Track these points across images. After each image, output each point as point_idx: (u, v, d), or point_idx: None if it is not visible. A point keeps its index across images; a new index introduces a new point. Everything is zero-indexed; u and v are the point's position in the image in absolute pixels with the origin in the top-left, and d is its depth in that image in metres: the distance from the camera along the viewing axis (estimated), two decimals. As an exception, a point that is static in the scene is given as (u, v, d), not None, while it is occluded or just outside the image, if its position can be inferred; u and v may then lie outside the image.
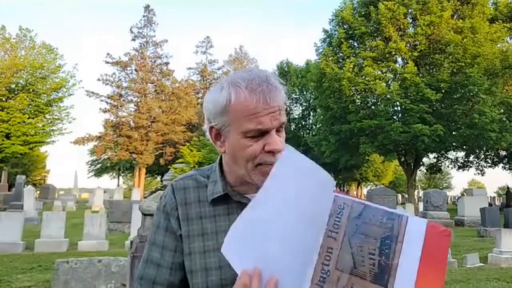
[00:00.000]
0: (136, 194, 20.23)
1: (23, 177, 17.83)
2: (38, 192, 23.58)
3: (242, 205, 0.90)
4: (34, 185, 29.06)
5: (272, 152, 0.86)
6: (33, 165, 37.99)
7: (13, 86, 26.17)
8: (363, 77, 20.49)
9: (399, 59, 21.87)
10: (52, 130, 27.75)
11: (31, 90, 26.29)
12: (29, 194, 14.04)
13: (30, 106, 26.24)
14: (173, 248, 0.94)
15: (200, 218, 0.94)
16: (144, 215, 3.03)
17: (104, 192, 22.72)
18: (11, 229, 8.31)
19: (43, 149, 37.54)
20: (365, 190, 40.83)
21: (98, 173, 41.37)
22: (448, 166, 28.17)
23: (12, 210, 12.36)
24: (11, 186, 22.82)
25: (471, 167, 26.96)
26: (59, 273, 5.35)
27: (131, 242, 2.99)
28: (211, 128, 0.93)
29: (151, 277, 0.94)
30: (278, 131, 0.89)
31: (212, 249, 0.91)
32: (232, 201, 0.94)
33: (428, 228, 0.71)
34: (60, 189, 31.79)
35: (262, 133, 0.86)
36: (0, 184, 23.60)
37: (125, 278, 5.28)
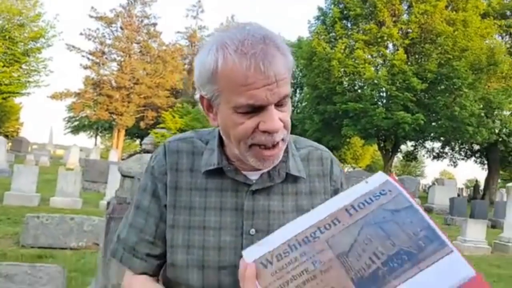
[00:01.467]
0: (114, 155, 19.91)
1: (-5, 127, 17.12)
2: (10, 144, 22.87)
3: (237, 183, 0.82)
4: (7, 136, 28.14)
5: (268, 132, 0.73)
6: (6, 116, 36.64)
7: (-13, 31, 24.79)
8: (353, 59, 20.43)
9: (390, 45, 21.88)
10: (28, 81, 26.77)
11: (7, 37, 24.95)
12: (0, 145, 13.56)
13: (6, 54, 25.01)
14: (158, 215, 0.85)
15: (190, 189, 0.84)
16: (124, 176, 2.92)
17: (81, 150, 22.25)
18: (-20, 179, 8.03)
19: (17, 100, 36.29)
20: (341, 172, 41.56)
21: (75, 130, 40.50)
22: (423, 155, 28.99)
23: (-18, 160, 11.93)
24: (-18, 135, 21.98)
25: (445, 158, 27.81)
26: (28, 227, 5.24)
27: (108, 203, 2.90)
28: (201, 97, 0.80)
29: (132, 244, 0.85)
30: (279, 105, 0.74)
31: (197, 226, 0.82)
32: (226, 176, 0.83)
33: (469, 283, 0.56)
34: (34, 143, 30.92)
35: (256, 109, 0.72)
36: (-30, 133, 22.70)
37: (97, 237, 5.21)
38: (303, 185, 0.87)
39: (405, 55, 19.83)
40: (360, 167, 38.01)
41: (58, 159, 23.25)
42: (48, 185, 9.76)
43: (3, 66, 24.60)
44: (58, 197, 8.50)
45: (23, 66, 26.45)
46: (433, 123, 20.57)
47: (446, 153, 27.63)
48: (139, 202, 0.87)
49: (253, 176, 0.83)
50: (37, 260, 4.44)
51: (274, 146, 0.76)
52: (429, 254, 0.57)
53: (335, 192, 0.88)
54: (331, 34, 22.46)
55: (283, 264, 0.61)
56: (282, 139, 0.77)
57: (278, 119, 0.73)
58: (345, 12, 21.84)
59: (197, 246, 0.81)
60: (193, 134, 0.91)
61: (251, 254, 0.64)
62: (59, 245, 5.24)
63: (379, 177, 0.68)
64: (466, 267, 0.57)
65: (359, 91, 21.52)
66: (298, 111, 29.91)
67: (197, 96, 0.82)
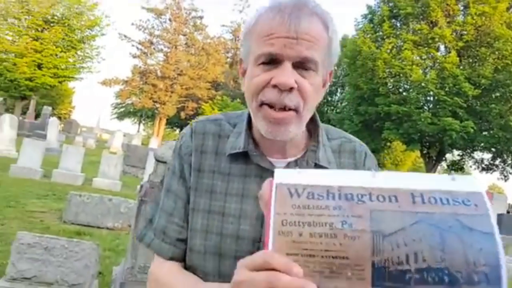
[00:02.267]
0: (154, 142, 20.60)
1: (50, 108, 18.32)
2: (62, 125, 24.33)
3: (262, 170, 0.78)
4: (60, 118, 29.99)
5: (278, 88, 0.69)
6: (60, 99, 39.02)
7: (49, 17, 26.41)
8: (400, 60, 19.65)
9: (442, 47, 20.79)
10: (82, 67, 28.24)
11: (66, 24, 26.52)
12: (53, 125, 14.45)
13: (64, 40, 26.59)
14: (186, 198, 0.82)
15: (212, 172, 0.81)
16: (158, 161, 3.00)
17: (124, 135, 23.21)
18: (32, 155, 8.60)
19: (71, 84, 38.45)
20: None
21: (121, 116, 42.25)
22: (471, 166, 27.39)
23: (36, 138, 12.78)
24: (37, 116, 23.59)
25: (495, 170, 26.10)
26: (71, 204, 5.54)
27: (141, 186, 2.99)
28: (240, 62, 0.81)
29: (162, 228, 0.83)
30: (301, 67, 0.71)
31: (217, 212, 0.79)
32: (251, 161, 0.79)
33: None
34: (83, 126, 32.67)
35: (274, 61, 0.70)
36: (28, 112, 24.40)
37: (132, 220, 5.42)
38: None
39: (458, 58, 18.76)
40: (400, 172, 36.64)
41: (103, 142, 24.42)
42: (92, 166, 10.28)
43: (60, 51, 26.20)
44: (101, 178, 8.93)
45: (78, 52, 27.99)
46: (484, 132, 19.41)
47: (497, 166, 25.90)
48: (169, 185, 0.85)
49: (280, 164, 0.79)
50: (75, 236, 4.69)
51: (284, 110, 0.71)
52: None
53: None
54: (378, 33, 21.71)
55: (310, 204, 0.53)
56: (296, 110, 0.71)
57: (292, 78, 0.69)
58: (394, 10, 21.00)
59: (215, 232, 0.78)
60: (222, 116, 0.88)
61: (283, 176, 0.57)
62: (96, 224, 5.50)
63: (470, 182, 0.55)
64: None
65: (404, 93, 20.69)
66: (338, 110, 29.39)
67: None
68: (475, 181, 0.55)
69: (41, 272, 3.04)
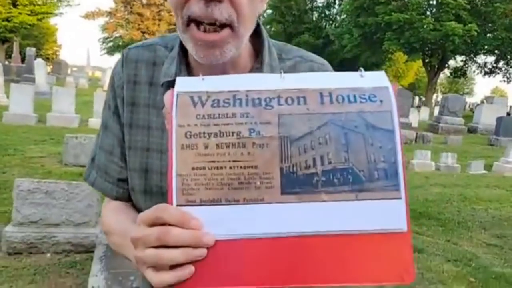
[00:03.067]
0: (148, 76, 20.15)
1: (33, 49, 17.49)
2: (50, 67, 23.60)
3: None
4: (48, 59, 29.04)
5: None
6: (44, 38, 37.42)
7: None
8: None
9: None
10: (60, 0, 26.64)
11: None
12: (40, 68, 13.95)
13: (36, -27, 24.74)
14: (121, 136, 0.74)
15: (147, 106, 0.71)
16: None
17: (117, 71, 22.59)
18: (23, 101, 8.39)
19: (52, 21, 36.61)
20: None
21: (111, 51, 40.85)
22: (474, 71, 26.89)
23: (24, 83, 12.43)
24: (24, 59, 22.77)
25: (498, 73, 25.64)
26: (68, 147, 5.52)
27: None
28: None
29: (104, 168, 0.77)
30: None
31: (155, 149, 0.71)
32: None
33: (394, 234, 0.50)
34: (73, 66, 31.74)
35: None
36: (13, 56, 23.54)
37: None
38: None
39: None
40: (402, 85, 36.23)
41: (96, 80, 23.89)
42: (86, 106, 10.12)
43: (34, -15, 24.51)
44: (95, 118, 8.82)
45: (54, -15, 26.28)
46: (488, 35, 18.64)
47: (500, 68, 25.40)
48: (105, 121, 0.77)
49: None
50: (78, 178, 4.73)
51: (214, 29, 0.60)
52: (375, 189, 0.49)
53: None
54: None
55: (216, 113, 0.50)
56: (230, 26, 0.60)
57: None
58: None
59: (155, 170, 0.71)
60: (158, 39, 0.76)
61: (185, 84, 0.53)
62: (98, 164, 5.53)
63: (378, 78, 0.54)
64: (401, 220, 0.49)
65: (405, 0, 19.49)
66: (336, 25, 28.03)
67: None
68: (382, 76, 0.54)
69: (46, 215, 3.09)
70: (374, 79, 0.53)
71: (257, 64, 0.71)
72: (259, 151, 0.49)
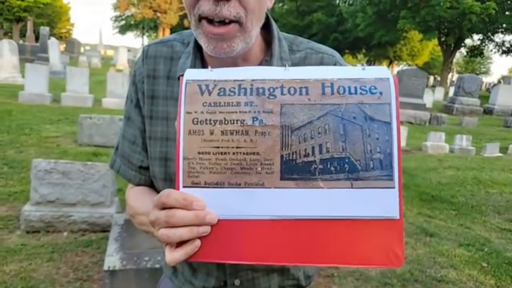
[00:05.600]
0: (160, 56, 20.06)
1: (47, 28, 17.52)
2: (64, 45, 23.67)
3: None
4: (61, 37, 29.09)
5: None
6: (57, 17, 37.42)
7: None
8: None
9: None
10: (71, -21, 26.49)
11: None
12: (53, 47, 13.99)
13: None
14: (143, 128, 0.80)
15: (166, 98, 0.76)
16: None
17: (129, 51, 22.59)
18: (38, 80, 8.48)
19: (65, 0, 36.52)
20: (396, 70, 39.33)
21: (122, 30, 40.82)
22: (491, 50, 26.05)
23: (39, 62, 12.52)
24: (37, 38, 22.88)
25: (517, 53, 24.78)
26: (83, 127, 5.58)
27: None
28: None
29: (127, 156, 0.83)
30: None
31: (174, 139, 0.74)
32: None
33: (385, 222, 0.53)
34: (86, 44, 31.84)
35: None
36: (27, 35, 23.65)
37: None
38: None
39: None
40: (417, 64, 35.36)
41: (109, 59, 23.94)
42: (100, 86, 10.18)
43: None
44: (109, 98, 8.87)
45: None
46: (507, 12, 17.91)
47: (519, 47, 24.53)
48: (128, 113, 0.82)
49: None
50: (92, 158, 4.81)
51: (224, 24, 0.63)
52: (370, 178, 0.52)
53: None
54: None
55: (221, 101, 0.53)
56: (238, 22, 0.63)
57: None
58: None
59: (173, 159, 0.75)
60: (175, 36, 0.81)
61: (194, 74, 0.56)
62: (111, 144, 5.59)
63: (379, 71, 0.55)
64: (394, 208, 0.51)
65: (423, -25, 18.78)
66: (350, 2, 27.28)
67: None
68: (384, 69, 0.56)
69: (63, 195, 3.16)
70: (375, 72, 0.55)
71: (267, 56, 0.73)
72: (261, 138, 0.52)
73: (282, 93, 0.53)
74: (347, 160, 0.51)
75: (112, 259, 2.10)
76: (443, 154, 7.70)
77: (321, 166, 0.51)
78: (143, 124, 0.79)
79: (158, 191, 0.79)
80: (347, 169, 0.51)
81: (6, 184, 3.89)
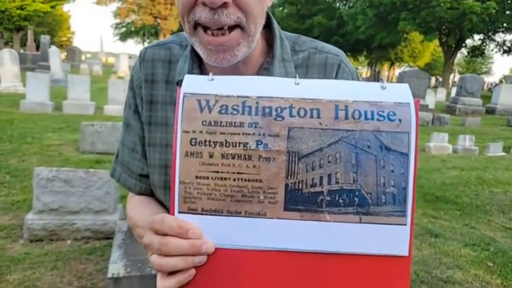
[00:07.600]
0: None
1: (47, 37, 17.67)
2: (65, 54, 23.82)
3: None
4: (61, 46, 29.27)
5: (208, 6, 0.57)
6: (58, 25, 37.66)
7: None
8: None
9: None
10: (71, -13, 26.80)
11: None
12: (54, 55, 14.07)
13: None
14: (142, 134, 0.77)
15: (165, 103, 0.73)
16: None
17: (130, 57, 22.66)
18: (39, 89, 8.51)
19: (65, 8, 36.80)
20: (397, 71, 39.30)
21: (123, 37, 40.98)
22: (492, 50, 26.04)
23: (40, 71, 12.58)
24: (38, 47, 23.04)
25: (518, 52, 24.75)
26: (85, 134, 5.59)
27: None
28: None
29: (127, 164, 0.80)
30: None
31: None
32: None
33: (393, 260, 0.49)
34: (87, 52, 32.01)
35: None
36: (27, 44, 23.81)
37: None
38: None
39: None
40: (418, 66, 35.35)
41: (110, 67, 24.03)
42: (101, 93, 10.20)
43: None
44: (111, 105, 8.89)
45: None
46: (507, 12, 17.91)
47: (520, 46, 24.50)
48: (127, 119, 0.79)
49: None
50: (95, 165, 4.81)
51: (223, 32, 0.58)
52: (381, 214, 0.48)
53: None
54: None
55: (223, 121, 0.48)
56: (239, 26, 0.59)
57: None
58: None
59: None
60: (173, 38, 0.77)
61: (193, 84, 0.51)
62: (114, 151, 5.55)
63: (400, 92, 0.50)
64: (403, 246, 0.48)
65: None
66: (350, 5, 27.34)
67: None
68: (405, 89, 0.50)
69: (65, 203, 3.16)
70: (396, 94, 0.49)
71: (268, 58, 0.69)
72: (265, 164, 0.48)
73: (290, 115, 0.48)
74: (357, 193, 0.48)
75: (116, 266, 2.09)
76: (446, 154, 7.66)
77: (328, 198, 0.48)
78: (142, 131, 0.76)
79: (158, 200, 0.78)
80: (356, 202, 0.48)
81: (8, 193, 3.89)
